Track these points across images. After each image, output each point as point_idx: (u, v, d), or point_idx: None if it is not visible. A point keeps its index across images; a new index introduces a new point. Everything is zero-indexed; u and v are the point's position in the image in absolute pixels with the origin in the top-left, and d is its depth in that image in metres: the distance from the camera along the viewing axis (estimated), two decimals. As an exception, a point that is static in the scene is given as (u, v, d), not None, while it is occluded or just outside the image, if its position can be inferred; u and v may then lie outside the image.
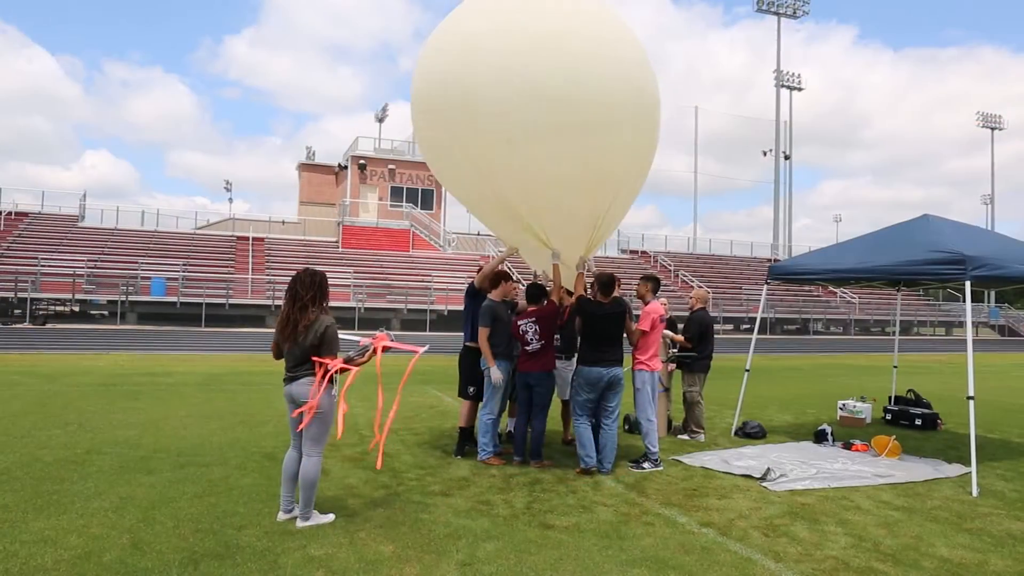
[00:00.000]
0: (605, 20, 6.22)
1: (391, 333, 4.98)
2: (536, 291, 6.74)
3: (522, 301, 7.08)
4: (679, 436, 8.21)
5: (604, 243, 7.78)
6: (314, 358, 4.67)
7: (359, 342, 4.88)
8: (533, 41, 5.78)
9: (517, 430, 6.79)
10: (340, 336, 4.79)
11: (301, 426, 4.69)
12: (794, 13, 55.20)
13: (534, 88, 5.70)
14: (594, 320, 6.45)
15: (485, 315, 6.67)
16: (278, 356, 4.88)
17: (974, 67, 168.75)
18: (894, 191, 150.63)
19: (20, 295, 27.36)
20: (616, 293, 6.66)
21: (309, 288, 4.73)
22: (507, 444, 7.29)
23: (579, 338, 6.74)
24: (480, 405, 6.93)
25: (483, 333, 6.63)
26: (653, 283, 7.29)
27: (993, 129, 66.29)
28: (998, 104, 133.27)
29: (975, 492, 6.01)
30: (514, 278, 7.52)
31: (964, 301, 6.75)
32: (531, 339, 6.56)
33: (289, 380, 4.77)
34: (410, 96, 6.77)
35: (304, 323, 4.65)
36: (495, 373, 6.60)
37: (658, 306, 7.07)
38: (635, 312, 7.17)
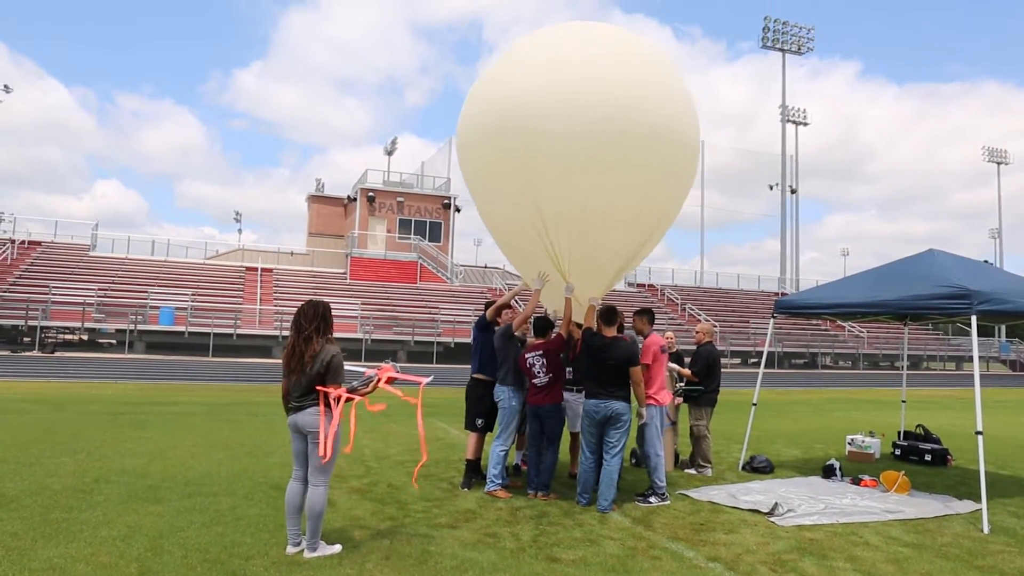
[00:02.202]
0: (658, 63, 6.53)
1: (396, 365, 5.03)
2: (543, 324, 6.79)
3: (529, 336, 7.13)
4: (686, 470, 8.18)
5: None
6: (318, 387, 4.73)
7: (363, 373, 4.93)
8: (591, 75, 6.04)
9: (529, 462, 6.79)
10: (346, 367, 4.85)
11: (321, 455, 4.70)
12: (799, 49, 55.86)
13: (593, 123, 5.96)
14: (593, 352, 6.48)
15: (499, 335, 6.85)
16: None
17: (977, 101, 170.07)
18: (900, 225, 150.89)
19: (31, 323, 27.53)
20: (618, 328, 6.68)
21: (312, 320, 4.80)
22: (513, 477, 7.28)
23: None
24: (493, 436, 6.94)
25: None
26: (648, 316, 7.28)
27: (999, 164, 66.47)
28: (1003, 138, 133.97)
29: (986, 529, 5.96)
30: (517, 308, 7.57)
31: (972, 336, 6.75)
32: (538, 372, 6.59)
33: (295, 410, 4.81)
34: (462, 119, 6.97)
35: (310, 354, 4.72)
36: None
37: (658, 338, 7.10)
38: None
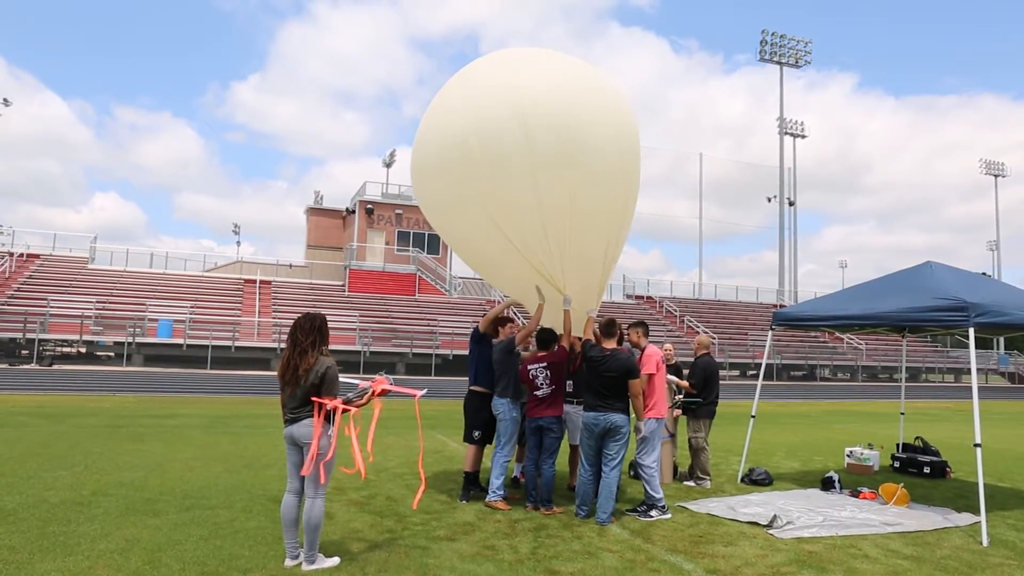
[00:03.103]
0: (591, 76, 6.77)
1: (390, 377, 5.05)
2: (547, 336, 6.78)
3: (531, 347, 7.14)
4: (685, 483, 8.17)
5: (608, 288, 7.93)
6: (313, 398, 4.74)
7: (358, 385, 4.95)
8: (534, 96, 6.22)
9: (528, 475, 6.78)
10: (340, 379, 4.86)
11: (305, 472, 4.72)
12: (796, 62, 56.17)
13: (549, 134, 6.12)
14: (592, 364, 6.49)
15: (501, 349, 6.85)
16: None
17: (974, 114, 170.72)
18: (897, 237, 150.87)
19: (28, 336, 27.49)
20: (622, 340, 6.70)
21: (309, 333, 4.83)
22: (512, 489, 7.27)
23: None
24: (495, 448, 6.93)
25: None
26: (643, 328, 7.27)
27: (996, 176, 66.73)
28: (999, 151, 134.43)
29: (985, 542, 5.95)
30: (518, 322, 7.57)
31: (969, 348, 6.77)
32: (541, 383, 6.60)
33: (290, 421, 4.83)
34: (414, 157, 7.03)
35: (304, 367, 4.74)
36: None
37: (656, 349, 7.10)
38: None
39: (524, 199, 6.32)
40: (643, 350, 7.06)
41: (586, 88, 6.46)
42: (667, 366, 7.73)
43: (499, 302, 8.65)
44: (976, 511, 6.46)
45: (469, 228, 6.90)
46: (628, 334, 7.26)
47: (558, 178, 6.24)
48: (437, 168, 6.67)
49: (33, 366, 26.14)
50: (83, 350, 31.11)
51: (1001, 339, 48.50)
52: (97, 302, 31.39)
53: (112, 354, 30.44)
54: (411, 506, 6.50)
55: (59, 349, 30.92)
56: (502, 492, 6.66)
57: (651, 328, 7.54)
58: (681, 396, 8.44)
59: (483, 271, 7.69)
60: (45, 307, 29.41)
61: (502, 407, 6.82)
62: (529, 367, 6.68)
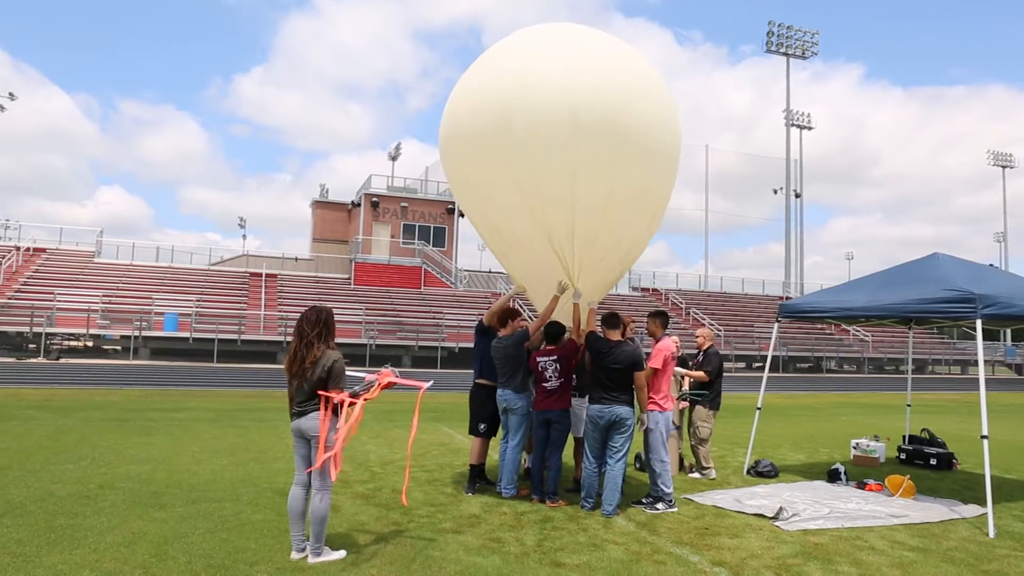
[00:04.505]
0: (641, 65, 6.74)
1: (396, 370, 5.06)
2: (557, 330, 6.76)
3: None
4: (691, 475, 8.16)
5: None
6: (320, 392, 4.75)
7: (364, 378, 4.96)
8: (581, 73, 6.19)
9: (534, 468, 6.78)
10: (347, 372, 4.87)
11: (315, 467, 4.74)
12: (803, 54, 55.85)
13: (594, 124, 6.09)
14: (597, 357, 6.47)
15: (514, 342, 6.82)
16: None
17: (982, 105, 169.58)
18: (905, 228, 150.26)
19: (35, 330, 27.62)
20: (625, 332, 6.68)
21: (315, 326, 4.83)
22: (522, 481, 7.25)
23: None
24: (506, 441, 6.91)
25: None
26: (662, 319, 7.24)
27: (1004, 167, 66.35)
28: (1007, 142, 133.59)
29: (992, 533, 5.93)
30: (524, 315, 7.55)
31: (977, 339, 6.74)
32: (550, 376, 6.59)
33: (297, 415, 4.84)
34: (446, 127, 6.98)
35: (311, 359, 4.75)
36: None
37: (670, 343, 7.05)
38: (647, 349, 7.17)
39: (559, 190, 6.33)
40: (657, 341, 7.04)
41: (642, 94, 6.43)
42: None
43: (503, 294, 8.61)
44: (983, 502, 6.44)
45: (495, 205, 6.89)
46: (646, 324, 7.26)
47: (597, 177, 6.25)
48: (471, 136, 6.62)
49: (40, 360, 26.27)
50: (90, 344, 31.24)
51: (1008, 331, 48.38)
52: (103, 296, 31.51)
53: (119, 348, 30.56)
54: (405, 502, 6.52)
55: (66, 343, 31.06)
56: (513, 490, 6.71)
57: (656, 320, 7.48)
58: (687, 389, 8.42)
59: (498, 250, 7.59)
60: (52, 301, 29.54)
61: (516, 400, 6.79)
62: (539, 359, 6.67)
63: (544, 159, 6.21)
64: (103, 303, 30.61)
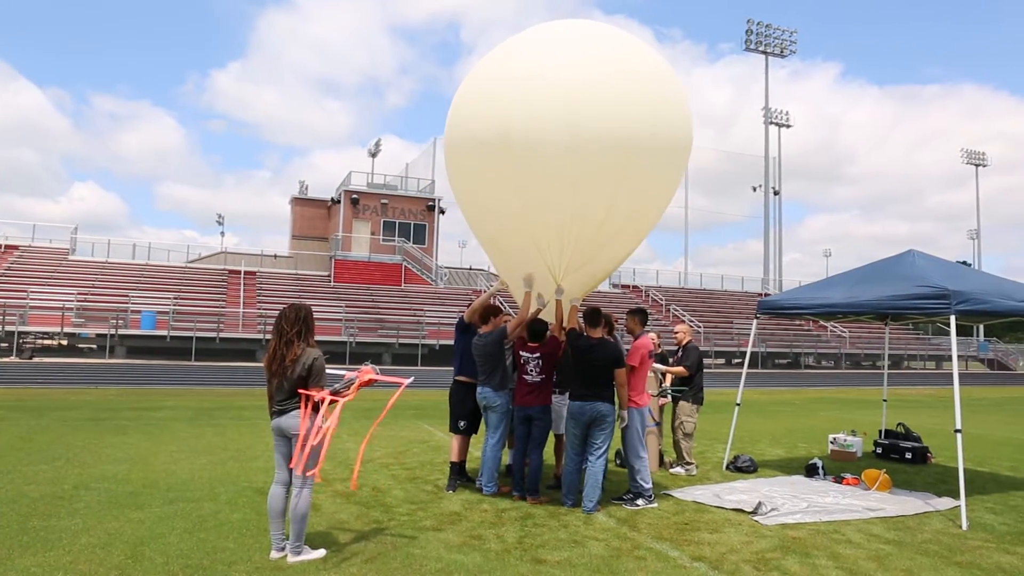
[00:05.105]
0: (654, 69, 6.53)
1: (376, 367, 5.04)
2: (540, 328, 6.75)
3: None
4: (672, 470, 8.20)
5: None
6: (300, 390, 4.72)
7: (344, 376, 4.93)
8: (585, 88, 6.02)
9: (515, 465, 6.78)
10: (327, 370, 4.84)
11: (293, 463, 4.71)
12: (781, 52, 56.29)
13: (596, 133, 5.98)
14: (579, 354, 6.48)
15: (494, 340, 6.77)
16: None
17: (955, 104, 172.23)
18: (880, 226, 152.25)
19: (8, 328, 27.16)
20: (611, 330, 6.69)
21: (294, 323, 4.80)
22: (502, 478, 7.25)
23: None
24: (490, 439, 6.87)
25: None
26: (641, 316, 7.27)
27: (978, 166, 67.33)
28: (979, 140, 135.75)
29: (965, 525, 6.03)
30: (507, 313, 7.54)
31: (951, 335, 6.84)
32: (531, 370, 6.58)
33: (278, 413, 4.80)
34: (451, 125, 6.87)
35: (291, 357, 4.72)
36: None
37: (647, 341, 7.08)
38: (626, 346, 7.19)
39: (556, 197, 6.25)
40: (636, 338, 7.06)
41: (650, 114, 6.22)
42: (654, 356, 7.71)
43: (485, 291, 8.61)
44: (956, 495, 6.54)
45: (494, 203, 6.83)
46: (625, 322, 7.27)
47: (595, 190, 6.20)
48: (472, 140, 6.56)
49: (13, 359, 25.84)
50: (64, 342, 30.79)
51: (981, 327, 49.12)
52: (78, 294, 31.06)
53: (94, 346, 30.15)
54: (397, 497, 6.50)
55: (40, 342, 30.60)
56: (494, 487, 6.71)
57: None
58: (667, 385, 8.46)
59: (486, 241, 7.54)
60: (25, 299, 29.05)
61: (496, 397, 6.79)
62: (521, 353, 6.67)
63: (539, 171, 6.14)
64: (78, 301, 30.17)
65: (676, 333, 8.70)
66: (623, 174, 6.15)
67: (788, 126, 58.18)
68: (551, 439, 7.32)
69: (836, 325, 44.44)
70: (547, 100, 6.02)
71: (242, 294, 35.00)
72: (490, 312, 6.99)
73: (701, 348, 9.05)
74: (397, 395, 5.11)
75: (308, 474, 4.69)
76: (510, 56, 6.58)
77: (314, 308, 5.20)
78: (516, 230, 6.71)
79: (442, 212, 43.95)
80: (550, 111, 5.99)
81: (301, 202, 47.33)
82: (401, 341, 32.47)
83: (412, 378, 5.29)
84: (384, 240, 42.41)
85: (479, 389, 6.85)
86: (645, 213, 6.78)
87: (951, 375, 6.83)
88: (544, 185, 6.22)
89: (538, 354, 6.60)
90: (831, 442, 9.89)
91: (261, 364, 4.94)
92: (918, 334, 48.74)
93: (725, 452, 8.88)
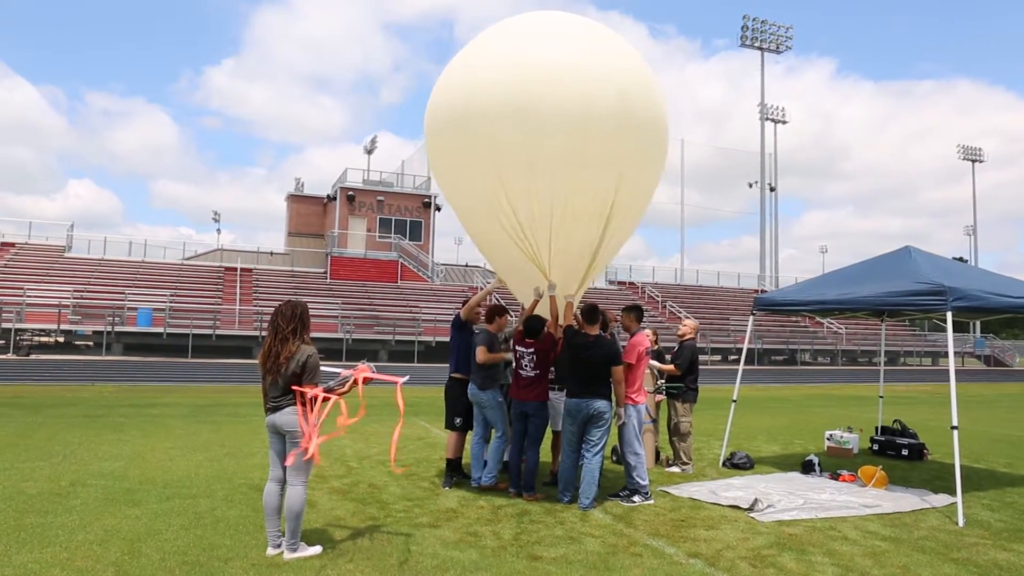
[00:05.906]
0: (618, 50, 6.60)
1: (372, 365, 5.02)
2: (535, 324, 6.75)
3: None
4: (668, 468, 8.20)
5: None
6: (294, 387, 4.71)
7: (339, 373, 4.92)
8: (550, 71, 6.09)
9: (512, 461, 6.78)
10: (322, 368, 4.83)
11: (289, 463, 4.70)
12: (777, 48, 56.28)
13: (552, 117, 6.04)
14: (576, 351, 6.48)
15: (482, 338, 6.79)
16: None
17: (949, 99, 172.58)
18: (875, 222, 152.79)
19: (5, 325, 27.08)
20: (607, 327, 6.69)
21: (290, 320, 4.79)
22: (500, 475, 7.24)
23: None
24: (494, 435, 6.92)
25: (480, 352, 6.72)
26: (637, 313, 7.26)
27: (974, 161, 67.42)
28: (972, 136, 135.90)
29: (961, 522, 6.04)
30: (509, 314, 7.54)
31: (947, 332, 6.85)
32: (525, 365, 6.59)
33: (272, 410, 4.79)
34: (429, 120, 6.98)
35: (286, 354, 4.71)
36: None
37: (643, 338, 7.07)
38: (622, 343, 7.19)
39: (516, 180, 6.34)
40: (632, 335, 7.06)
41: (624, 96, 6.28)
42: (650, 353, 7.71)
43: (481, 288, 8.64)
44: (952, 492, 6.55)
45: (475, 195, 6.89)
46: (620, 319, 7.27)
47: (561, 177, 6.25)
48: (448, 126, 6.63)
49: (10, 356, 25.77)
50: (61, 339, 30.72)
51: (977, 323, 49.22)
52: (75, 291, 30.98)
53: (91, 343, 30.09)
54: (393, 494, 6.50)
55: (36, 339, 30.52)
56: (493, 474, 6.73)
57: (633, 314, 7.51)
58: (663, 381, 8.45)
59: (473, 234, 7.58)
60: (21, 296, 28.97)
61: (475, 393, 6.80)
62: (516, 347, 6.67)
63: (505, 150, 6.23)
64: (74, 298, 30.10)
65: (681, 327, 8.65)
66: (584, 154, 6.17)
67: (784, 122, 58.23)
68: (548, 435, 7.33)
69: (832, 322, 44.54)
70: (503, 80, 6.12)
71: (238, 291, 34.95)
72: (495, 312, 7.01)
73: (698, 345, 9.04)
74: (399, 396, 5.09)
75: (306, 458, 4.66)
76: (476, 45, 6.74)
77: (310, 305, 5.19)
78: (489, 217, 6.75)
79: (438, 209, 43.91)
80: (504, 90, 6.07)
81: (297, 199, 47.24)
82: (397, 338, 32.46)
83: (407, 376, 5.28)
84: (380, 237, 42.36)
85: (470, 386, 6.87)
86: (624, 200, 6.66)
87: (947, 371, 6.84)
88: (505, 167, 6.29)
89: (532, 350, 6.60)
90: (827, 439, 9.91)
91: (257, 361, 4.92)
92: (914, 330, 48.85)
93: (721, 449, 8.89)
